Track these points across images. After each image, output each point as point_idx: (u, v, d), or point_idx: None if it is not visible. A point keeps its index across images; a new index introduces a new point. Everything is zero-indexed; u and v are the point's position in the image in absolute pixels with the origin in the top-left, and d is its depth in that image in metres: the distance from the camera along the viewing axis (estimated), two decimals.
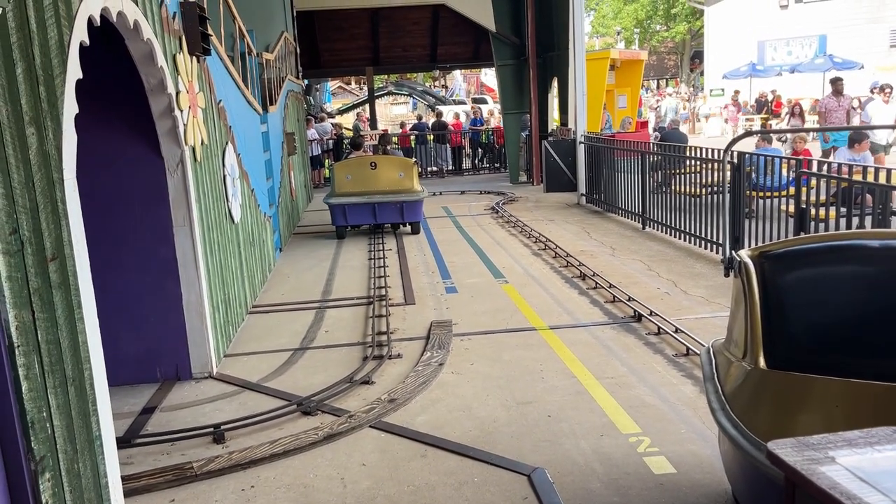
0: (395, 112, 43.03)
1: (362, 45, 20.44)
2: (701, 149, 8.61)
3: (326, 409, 4.46)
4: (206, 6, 6.01)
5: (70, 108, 2.97)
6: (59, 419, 2.63)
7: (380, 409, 4.36)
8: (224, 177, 6.11)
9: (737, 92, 26.87)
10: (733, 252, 3.21)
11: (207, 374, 5.17)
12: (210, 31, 5.70)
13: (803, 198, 6.47)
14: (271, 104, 9.75)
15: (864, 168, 6.00)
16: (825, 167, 6.40)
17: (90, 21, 3.31)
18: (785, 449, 1.00)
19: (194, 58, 5.34)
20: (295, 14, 14.45)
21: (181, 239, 4.97)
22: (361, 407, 4.43)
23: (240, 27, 7.84)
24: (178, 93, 4.77)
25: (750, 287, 2.85)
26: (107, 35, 3.99)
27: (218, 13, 6.89)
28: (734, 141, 3.98)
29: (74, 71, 3.04)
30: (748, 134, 4.58)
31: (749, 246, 5.67)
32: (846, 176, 5.86)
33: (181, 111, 4.83)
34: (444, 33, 19.99)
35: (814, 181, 6.49)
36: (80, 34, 3.15)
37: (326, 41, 19.89)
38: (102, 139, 4.80)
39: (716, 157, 8.07)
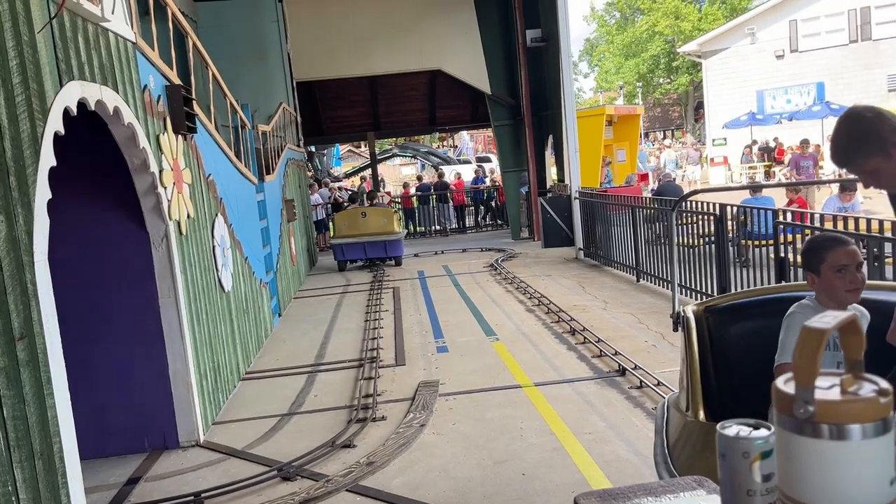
0: (404, 173, 44.27)
1: (362, 112, 20.98)
2: (688, 202, 8.74)
3: (306, 473, 4.52)
4: (193, 84, 6.31)
5: (42, 195, 3.15)
6: (25, 492, 2.74)
7: (357, 472, 4.42)
8: (213, 247, 6.30)
9: (754, 142, 26.90)
10: (681, 307, 3.31)
11: (194, 443, 5.25)
12: (196, 111, 5.96)
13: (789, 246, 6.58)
14: (268, 173, 10.04)
15: (845, 217, 6.09)
16: (801, 217, 6.52)
17: (67, 109, 3.54)
18: (589, 499, 1.09)
19: (180, 135, 5.59)
20: (295, 84, 14.92)
21: (167, 310, 5.12)
22: (340, 471, 4.50)
23: (231, 103, 8.16)
24: (161, 171, 5.00)
25: (689, 341, 2.94)
26: (90, 116, 4.23)
27: (207, 90, 7.21)
28: (684, 197, 4.12)
29: (48, 160, 3.23)
30: (696, 192, 4.65)
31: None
32: (818, 226, 5.97)
33: (165, 188, 5.04)
34: (442, 97, 20.47)
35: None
36: (54, 125, 3.35)
37: (327, 109, 20.44)
38: (90, 214, 5.01)
39: (708, 210, 8.12)
